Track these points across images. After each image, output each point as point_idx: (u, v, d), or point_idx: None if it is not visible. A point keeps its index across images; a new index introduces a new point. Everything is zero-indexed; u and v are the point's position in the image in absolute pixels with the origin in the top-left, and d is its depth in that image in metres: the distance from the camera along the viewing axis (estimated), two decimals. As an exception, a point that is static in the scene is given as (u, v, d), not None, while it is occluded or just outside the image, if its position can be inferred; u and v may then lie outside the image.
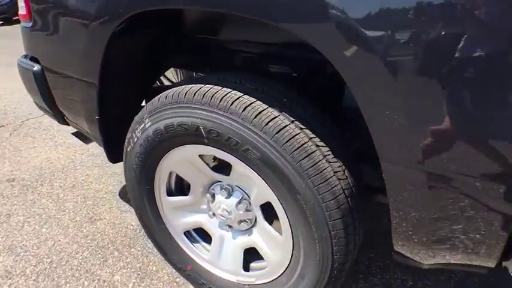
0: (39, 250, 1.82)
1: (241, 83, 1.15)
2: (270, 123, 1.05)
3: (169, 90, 1.24)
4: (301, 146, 1.04)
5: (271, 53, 1.41)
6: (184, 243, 1.49)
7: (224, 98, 1.09)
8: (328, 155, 1.06)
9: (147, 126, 1.27)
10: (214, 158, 1.36)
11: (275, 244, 1.26)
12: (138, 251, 1.80)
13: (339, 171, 1.06)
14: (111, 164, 1.69)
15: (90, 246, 1.83)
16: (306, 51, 1.14)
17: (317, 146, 1.06)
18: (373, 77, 0.83)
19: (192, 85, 1.18)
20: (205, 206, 1.42)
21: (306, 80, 1.38)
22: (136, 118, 1.34)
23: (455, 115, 0.78)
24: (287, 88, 1.18)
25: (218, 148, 1.16)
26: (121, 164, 1.48)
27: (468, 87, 0.76)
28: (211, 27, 1.49)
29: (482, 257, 0.95)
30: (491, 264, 0.97)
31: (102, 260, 1.75)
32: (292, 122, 1.06)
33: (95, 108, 1.42)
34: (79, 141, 2.00)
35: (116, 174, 2.47)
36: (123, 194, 2.24)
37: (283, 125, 1.05)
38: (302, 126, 1.06)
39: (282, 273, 1.26)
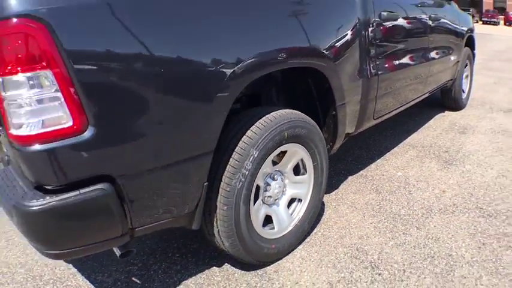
0: None
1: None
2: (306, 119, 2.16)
3: (258, 123, 1.89)
4: (315, 125, 2.25)
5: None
6: (265, 233, 2.09)
7: (294, 113, 2.05)
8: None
9: (255, 155, 1.86)
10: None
11: (303, 182, 2.30)
12: None
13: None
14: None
15: None
16: None
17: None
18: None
19: (274, 112, 1.97)
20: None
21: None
22: (236, 161, 1.81)
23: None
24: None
25: (287, 143, 2.05)
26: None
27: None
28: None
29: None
30: None
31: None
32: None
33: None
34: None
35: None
36: None
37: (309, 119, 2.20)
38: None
39: (311, 194, 2.34)
